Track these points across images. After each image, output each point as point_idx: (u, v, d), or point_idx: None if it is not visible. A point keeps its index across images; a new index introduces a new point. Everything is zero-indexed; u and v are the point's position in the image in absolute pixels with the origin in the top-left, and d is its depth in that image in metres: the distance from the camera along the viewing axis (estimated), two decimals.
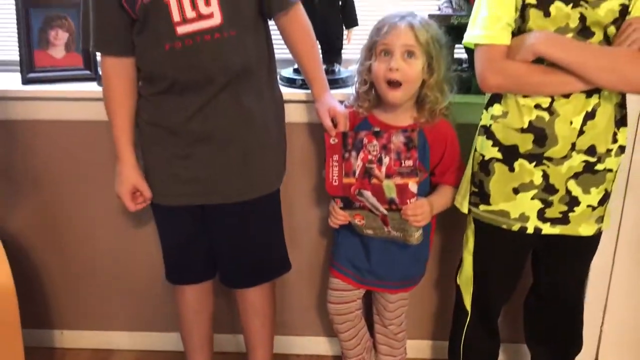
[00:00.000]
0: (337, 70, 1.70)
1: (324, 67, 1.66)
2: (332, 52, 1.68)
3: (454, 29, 1.54)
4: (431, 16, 1.54)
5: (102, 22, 1.36)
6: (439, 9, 1.65)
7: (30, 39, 1.71)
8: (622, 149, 1.36)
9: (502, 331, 1.63)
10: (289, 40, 1.49)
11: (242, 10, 1.37)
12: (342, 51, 1.70)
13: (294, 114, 1.66)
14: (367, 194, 1.43)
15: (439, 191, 1.50)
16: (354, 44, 1.66)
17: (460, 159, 1.50)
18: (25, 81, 1.70)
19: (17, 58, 1.73)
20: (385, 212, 1.43)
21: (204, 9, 1.32)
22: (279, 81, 1.66)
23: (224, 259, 1.58)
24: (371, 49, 1.43)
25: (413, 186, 1.39)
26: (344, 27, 1.67)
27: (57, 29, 1.73)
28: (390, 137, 1.39)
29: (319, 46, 1.65)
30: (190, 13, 1.32)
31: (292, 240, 1.72)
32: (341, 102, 1.53)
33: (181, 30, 1.32)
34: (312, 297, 1.87)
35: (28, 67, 1.71)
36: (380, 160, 1.40)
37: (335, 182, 1.45)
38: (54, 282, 1.93)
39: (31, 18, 1.71)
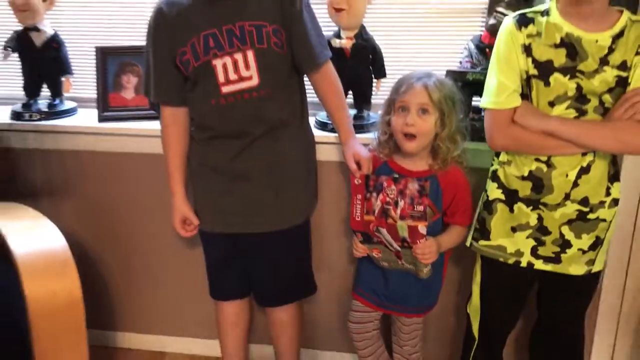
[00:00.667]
0: (366, 115, 1.88)
1: (354, 112, 1.87)
2: (362, 100, 1.88)
3: (470, 84, 1.70)
4: (449, 72, 1.72)
5: (161, 78, 1.62)
6: (460, 63, 1.82)
7: (106, 83, 2.00)
8: (615, 202, 1.49)
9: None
10: (319, 93, 1.69)
11: (277, 71, 1.58)
12: (372, 98, 1.89)
13: (327, 154, 1.85)
14: (384, 231, 1.61)
15: (449, 231, 1.66)
16: (382, 91, 1.85)
17: (471, 202, 1.65)
18: (101, 119, 1.98)
19: (95, 96, 2.02)
20: (398, 248, 1.61)
21: (244, 72, 1.54)
22: (315, 124, 1.87)
23: (257, 281, 1.80)
24: (390, 105, 1.61)
25: (422, 229, 1.56)
26: (373, 78, 1.86)
27: (129, 74, 2.01)
28: (407, 183, 1.57)
29: (351, 93, 1.86)
30: (232, 75, 1.54)
31: (323, 264, 1.94)
32: (366, 145, 1.71)
33: (225, 89, 1.55)
34: (338, 316, 2.04)
35: (103, 107, 1.99)
36: (396, 203, 1.58)
37: (357, 217, 1.64)
38: (120, 291, 2.21)
39: (108, 65, 1.99)
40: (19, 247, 1.51)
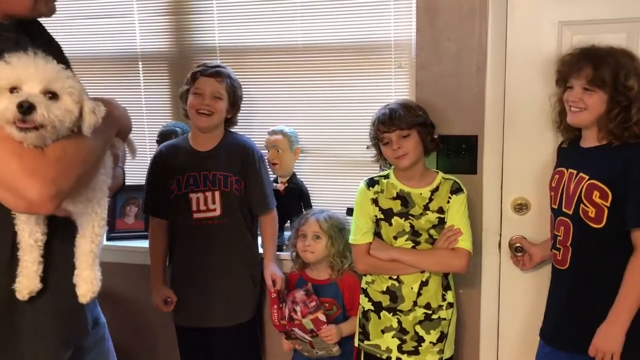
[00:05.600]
0: None
1: (289, 234, 2.51)
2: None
3: None
4: (349, 209, 2.34)
5: (150, 198, 2.30)
6: None
7: (115, 212, 2.72)
8: (450, 305, 2.06)
9: None
10: (260, 226, 2.36)
11: (235, 209, 2.24)
12: None
13: None
14: (297, 330, 2.19)
15: (349, 320, 2.23)
16: None
17: None
18: (109, 238, 2.69)
19: None
20: (310, 339, 2.19)
21: (211, 205, 2.23)
22: None
23: None
24: (296, 233, 2.27)
25: (322, 316, 2.13)
26: (303, 209, 2.51)
27: (132, 205, 2.73)
28: (294, 293, 2.17)
29: (288, 221, 2.51)
30: (202, 206, 2.23)
31: (270, 352, 2.51)
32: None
33: (196, 215, 2.23)
34: None
35: (111, 229, 2.69)
36: (295, 310, 2.17)
37: (277, 322, 2.23)
38: None
39: (117, 199, 2.72)
40: None
